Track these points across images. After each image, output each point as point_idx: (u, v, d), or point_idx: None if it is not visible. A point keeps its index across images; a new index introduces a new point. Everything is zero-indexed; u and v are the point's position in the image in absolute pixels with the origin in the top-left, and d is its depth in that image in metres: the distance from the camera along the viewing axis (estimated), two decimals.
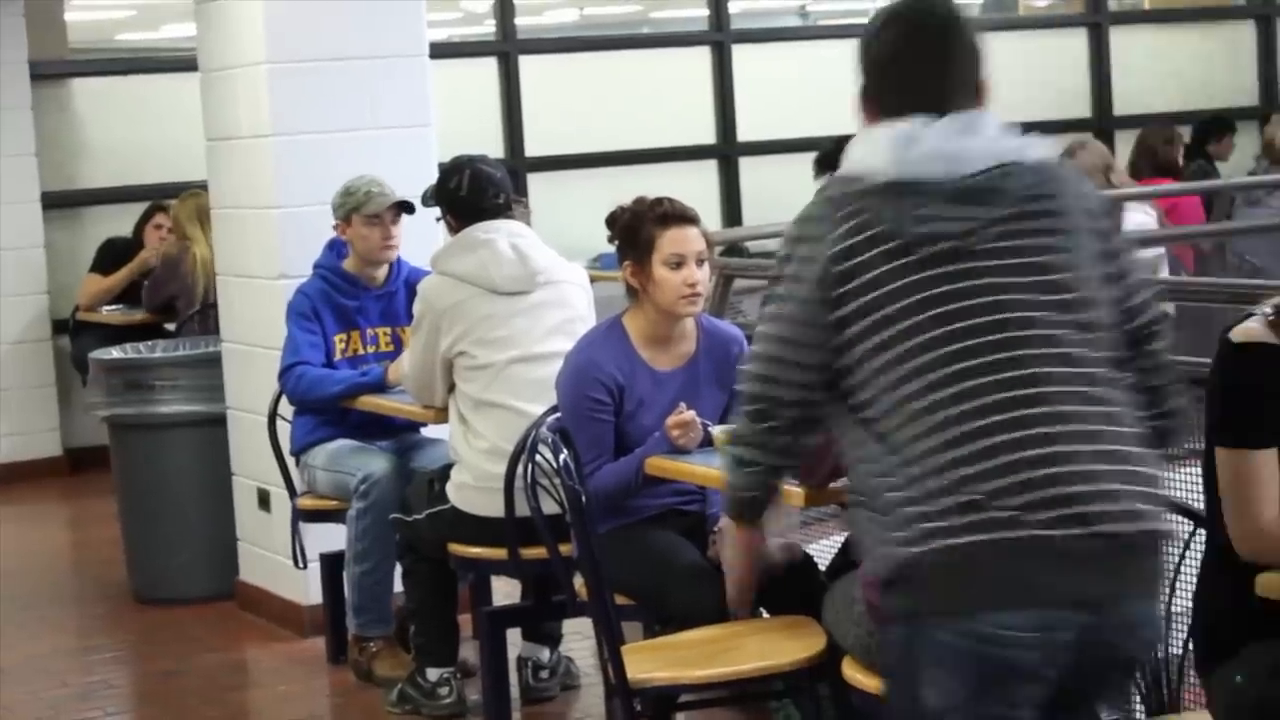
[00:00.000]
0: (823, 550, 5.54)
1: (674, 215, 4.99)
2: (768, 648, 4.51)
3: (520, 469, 5.06)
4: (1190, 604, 3.74)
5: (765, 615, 4.85)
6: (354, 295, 6.45)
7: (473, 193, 5.85)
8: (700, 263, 4.98)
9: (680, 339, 5.09)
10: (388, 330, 6.52)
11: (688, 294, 4.95)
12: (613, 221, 5.07)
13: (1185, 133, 11.24)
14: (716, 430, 4.83)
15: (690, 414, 4.84)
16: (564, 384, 5.06)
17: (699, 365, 5.09)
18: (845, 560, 4.95)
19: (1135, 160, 10.06)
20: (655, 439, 4.87)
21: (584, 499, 4.74)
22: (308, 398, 6.35)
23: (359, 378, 6.31)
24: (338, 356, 6.43)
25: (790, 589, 4.78)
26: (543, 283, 5.73)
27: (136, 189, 10.59)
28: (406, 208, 6.40)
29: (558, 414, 5.12)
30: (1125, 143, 12.32)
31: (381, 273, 6.51)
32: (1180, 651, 3.83)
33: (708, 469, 4.72)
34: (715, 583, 4.79)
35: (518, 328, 5.64)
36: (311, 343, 6.35)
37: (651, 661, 4.54)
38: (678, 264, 4.95)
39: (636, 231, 4.98)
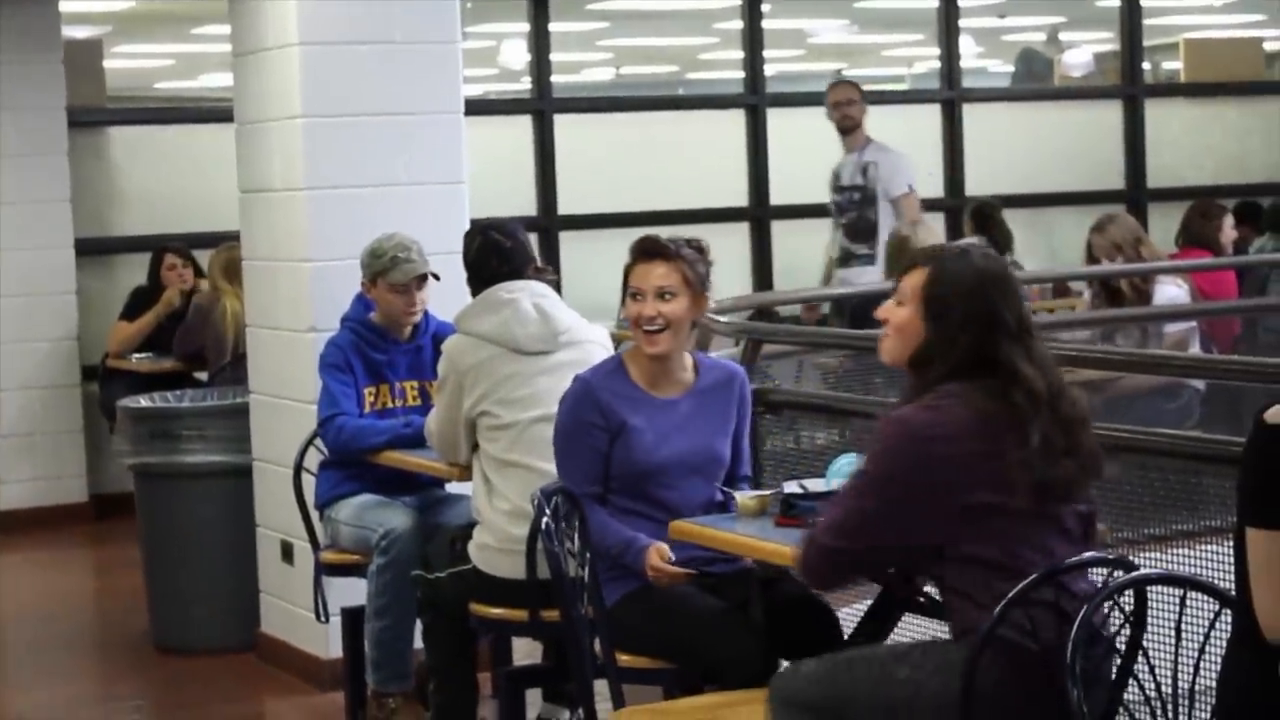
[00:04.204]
0: (845, 618, 5.50)
1: (640, 250, 5.06)
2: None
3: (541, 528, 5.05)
4: (1214, 684, 3.71)
5: (785, 664, 4.83)
6: (383, 349, 6.45)
7: (478, 260, 5.89)
8: (664, 297, 4.99)
9: (676, 370, 5.11)
10: (415, 384, 6.52)
11: (643, 328, 4.97)
12: None
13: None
14: (741, 497, 4.82)
15: (669, 569, 4.85)
16: (561, 408, 5.11)
17: (701, 395, 5.11)
18: (872, 628, 4.94)
19: (1178, 232, 10.07)
20: (636, 549, 4.89)
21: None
22: (350, 448, 6.34)
23: (402, 429, 6.30)
24: (366, 410, 6.43)
25: (811, 639, 4.79)
26: (565, 342, 5.73)
27: (169, 238, 10.62)
28: (433, 276, 6.42)
29: None
30: (1159, 215, 12.33)
31: (409, 329, 6.52)
32: None
33: (732, 535, 4.70)
34: (750, 628, 4.79)
35: (540, 387, 5.63)
36: (347, 394, 6.36)
37: None
38: (634, 297, 5.00)
39: (625, 271, 5.07)
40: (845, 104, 10.20)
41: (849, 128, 10.20)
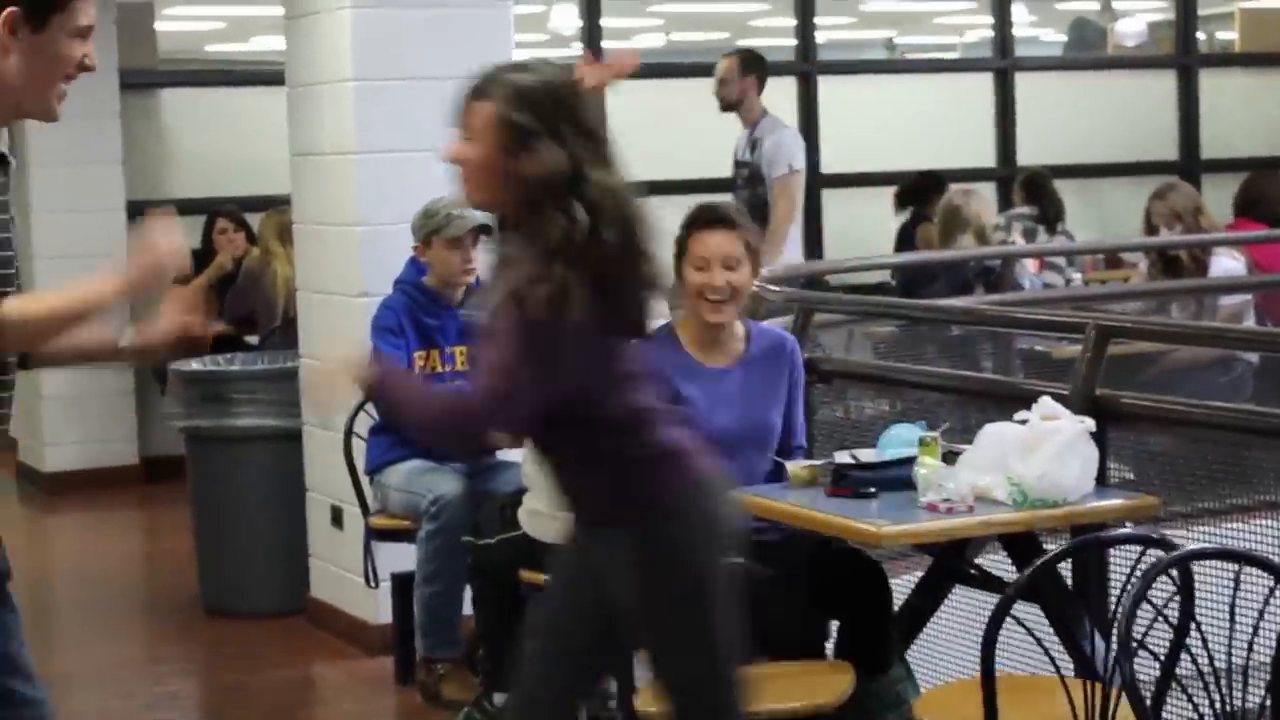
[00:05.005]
0: (896, 588, 5.49)
1: (702, 218, 5.01)
2: (789, 690, 4.47)
3: None
4: (1269, 660, 3.69)
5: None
6: (435, 313, 6.46)
7: None
8: (730, 267, 4.96)
9: (729, 339, 5.09)
10: (465, 349, 6.52)
11: (708, 298, 4.94)
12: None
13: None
14: (793, 467, 4.80)
15: None
16: None
17: (752, 364, 5.10)
18: (920, 601, 4.93)
19: (1234, 204, 9.98)
20: None
21: None
22: None
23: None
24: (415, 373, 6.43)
25: (859, 596, 4.81)
26: None
27: (221, 200, 10.63)
28: (486, 230, 6.41)
29: None
30: (1212, 186, 12.24)
31: (461, 291, 6.52)
32: (1258, 707, 3.78)
33: (784, 504, 4.69)
34: (799, 598, 4.79)
35: None
36: (398, 358, 6.37)
37: None
38: (699, 267, 4.97)
39: (681, 239, 5.03)
40: (721, 82, 9.52)
41: (726, 106, 9.56)
